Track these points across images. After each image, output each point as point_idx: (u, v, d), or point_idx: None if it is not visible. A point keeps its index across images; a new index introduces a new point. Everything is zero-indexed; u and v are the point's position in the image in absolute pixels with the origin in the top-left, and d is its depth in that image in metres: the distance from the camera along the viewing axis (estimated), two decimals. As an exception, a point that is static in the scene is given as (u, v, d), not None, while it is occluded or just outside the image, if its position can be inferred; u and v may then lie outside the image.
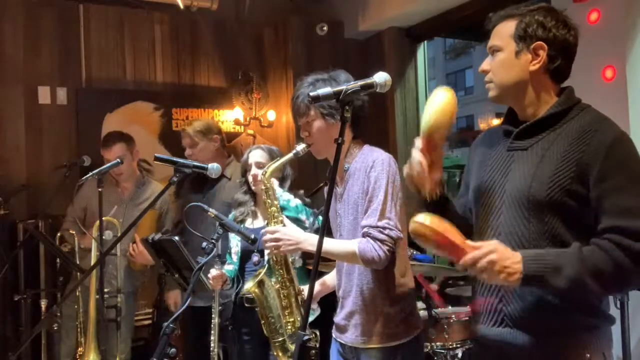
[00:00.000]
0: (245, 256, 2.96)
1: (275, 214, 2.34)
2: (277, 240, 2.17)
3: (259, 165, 2.89)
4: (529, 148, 1.67)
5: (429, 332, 3.04)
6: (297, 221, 2.76)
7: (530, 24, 1.65)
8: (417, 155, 1.68)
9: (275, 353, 2.47)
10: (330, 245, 2.11)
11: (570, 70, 1.70)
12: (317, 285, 2.42)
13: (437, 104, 1.65)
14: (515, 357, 1.66)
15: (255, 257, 2.92)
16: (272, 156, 2.90)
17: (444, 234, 1.52)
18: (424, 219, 1.54)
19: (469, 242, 1.53)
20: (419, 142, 1.69)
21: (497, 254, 1.49)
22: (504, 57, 1.68)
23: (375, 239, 2.03)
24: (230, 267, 2.97)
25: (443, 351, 3.08)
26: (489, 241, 1.54)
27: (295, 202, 2.88)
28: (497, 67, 1.70)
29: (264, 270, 2.52)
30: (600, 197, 1.53)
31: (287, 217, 2.74)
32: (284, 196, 2.85)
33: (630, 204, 1.51)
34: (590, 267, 1.48)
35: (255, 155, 2.96)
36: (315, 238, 2.14)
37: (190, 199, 3.41)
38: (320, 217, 2.36)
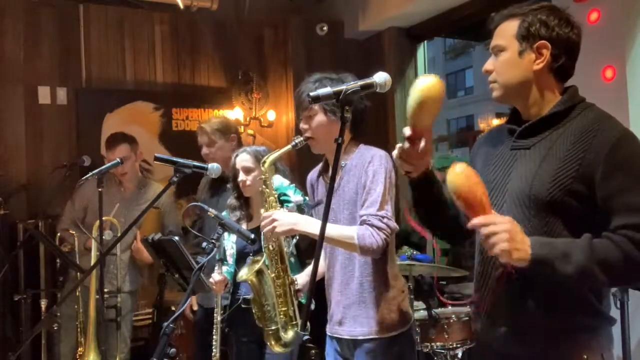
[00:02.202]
0: (240, 259, 2.93)
1: (273, 203, 2.35)
2: (272, 221, 2.16)
3: (246, 170, 2.85)
4: (532, 147, 1.66)
5: (429, 332, 3.03)
6: (284, 195, 2.79)
7: (533, 23, 1.64)
8: (405, 144, 1.65)
9: (268, 342, 2.46)
10: (328, 229, 2.09)
11: (574, 69, 1.69)
12: (304, 276, 2.44)
13: (421, 88, 1.58)
14: (514, 358, 1.66)
15: (250, 261, 2.91)
16: (259, 159, 2.82)
17: (470, 187, 1.49)
18: (460, 168, 1.51)
19: (493, 210, 1.51)
20: (406, 130, 1.64)
21: (512, 226, 1.47)
22: (508, 57, 1.67)
23: (373, 226, 2.07)
24: (225, 269, 2.95)
25: (443, 351, 3.08)
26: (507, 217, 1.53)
27: (287, 182, 2.88)
28: (501, 67, 1.69)
29: (262, 259, 2.49)
30: (608, 196, 1.52)
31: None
32: (279, 181, 2.85)
33: None
34: (599, 257, 1.47)
35: (241, 160, 2.88)
36: (311, 220, 2.17)
37: (207, 202, 3.35)
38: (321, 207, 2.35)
